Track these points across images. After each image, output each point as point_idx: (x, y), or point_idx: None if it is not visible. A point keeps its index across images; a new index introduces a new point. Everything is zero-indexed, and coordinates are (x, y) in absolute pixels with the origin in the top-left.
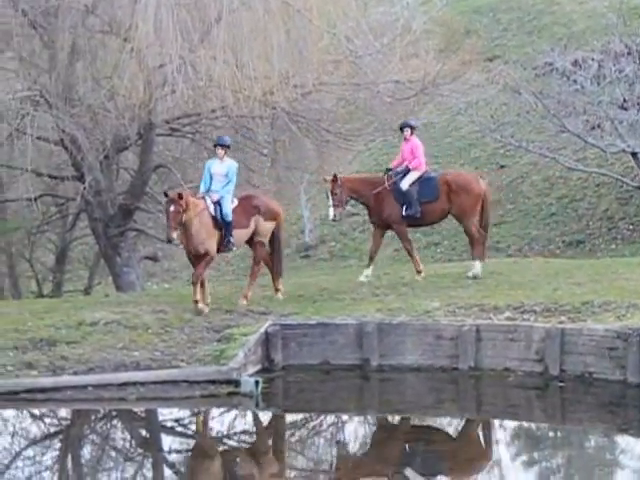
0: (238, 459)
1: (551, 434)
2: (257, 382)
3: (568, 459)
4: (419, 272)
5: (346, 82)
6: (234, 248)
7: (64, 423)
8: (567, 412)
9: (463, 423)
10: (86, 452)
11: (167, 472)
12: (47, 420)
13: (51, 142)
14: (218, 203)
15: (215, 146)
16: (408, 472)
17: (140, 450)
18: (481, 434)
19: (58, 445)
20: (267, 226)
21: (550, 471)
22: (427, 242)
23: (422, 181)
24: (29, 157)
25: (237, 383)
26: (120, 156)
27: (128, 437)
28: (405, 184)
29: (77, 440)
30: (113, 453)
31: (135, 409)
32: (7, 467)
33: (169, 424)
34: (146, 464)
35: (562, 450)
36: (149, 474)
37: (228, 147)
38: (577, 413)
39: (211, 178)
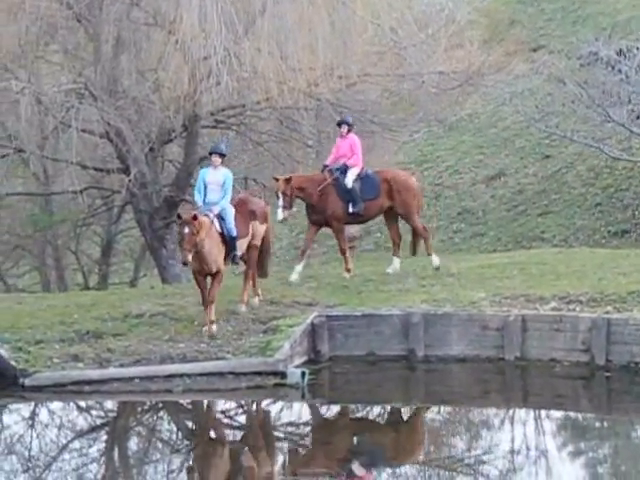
0: (284, 450)
1: (597, 424)
2: (303, 373)
3: (614, 449)
4: (348, 270)
5: (390, 73)
6: (239, 262)
7: (110, 415)
8: (613, 402)
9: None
10: (132, 444)
11: (214, 464)
12: (94, 412)
13: (96, 135)
14: (220, 217)
15: (211, 154)
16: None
17: (186, 442)
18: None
19: (104, 437)
20: (262, 229)
21: (596, 461)
22: (472, 232)
23: (362, 178)
24: (74, 150)
25: (283, 374)
26: (165, 148)
27: (174, 429)
28: (349, 181)
29: (124, 432)
30: (160, 445)
31: (181, 401)
32: (54, 459)
33: (215, 416)
34: (193, 456)
35: (608, 440)
36: (196, 466)
37: (224, 155)
38: (623, 403)
39: (205, 187)
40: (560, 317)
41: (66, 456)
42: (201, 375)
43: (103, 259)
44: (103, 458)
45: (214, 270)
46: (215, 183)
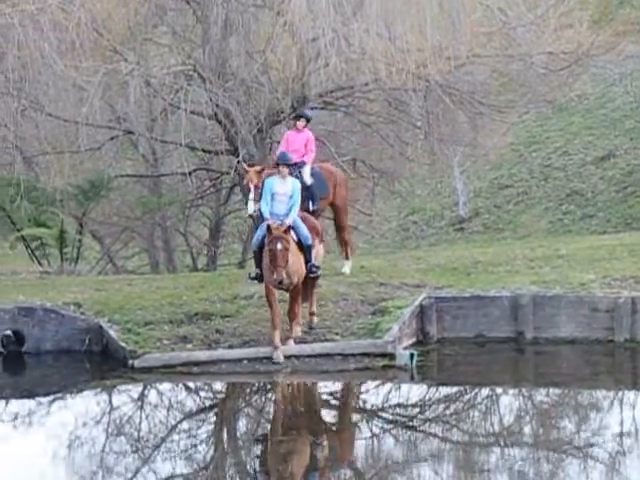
0: (393, 432)
1: None
2: (412, 355)
3: None
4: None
5: (499, 54)
6: (319, 272)
7: (219, 396)
8: None
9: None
10: (241, 425)
11: (323, 445)
12: (202, 393)
13: (205, 116)
14: (292, 227)
15: (278, 165)
16: None
17: (294, 423)
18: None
19: (213, 418)
20: (321, 249)
21: None
22: (582, 214)
23: (313, 175)
24: (183, 131)
25: (392, 356)
26: (274, 129)
27: (282, 410)
28: (309, 179)
29: (232, 413)
30: (268, 426)
31: (289, 382)
32: (163, 440)
33: (324, 397)
34: (301, 437)
35: None
36: (304, 448)
37: (290, 165)
38: None
39: (272, 198)
40: None
41: (175, 437)
42: (309, 356)
43: (212, 241)
44: (212, 439)
45: (295, 282)
46: (283, 194)
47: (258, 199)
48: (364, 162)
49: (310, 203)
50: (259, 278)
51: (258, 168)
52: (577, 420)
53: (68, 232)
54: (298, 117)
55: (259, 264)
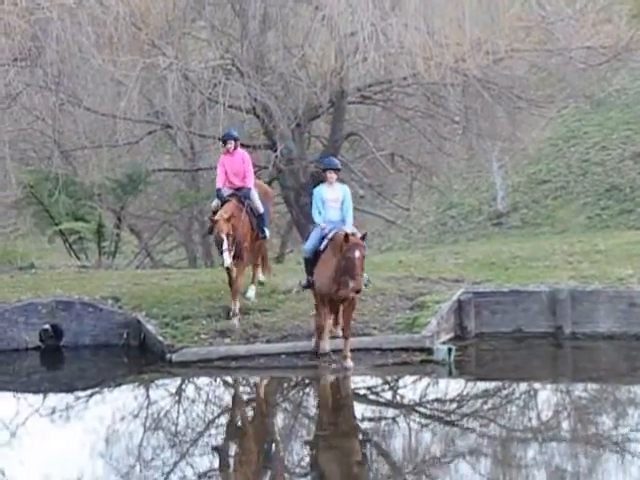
0: (431, 427)
1: None
2: (450, 350)
3: None
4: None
5: (538, 48)
6: (369, 284)
7: (257, 391)
8: None
9: None
10: (279, 420)
11: (360, 440)
12: (240, 388)
13: (243, 111)
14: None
15: (324, 170)
16: None
17: (332, 418)
18: None
19: (251, 413)
20: None
21: None
22: (620, 209)
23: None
24: (221, 126)
25: (430, 351)
26: (312, 124)
27: (321, 405)
28: (260, 206)
29: (270, 408)
30: (306, 421)
31: (327, 376)
32: (201, 434)
33: (362, 392)
34: (338, 432)
35: None
36: (342, 443)
37: (339, 170)
38: None
39: (323, 205)
40: None
41: (212, 431)
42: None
43: None
44: (249, 434)
45: (350, 295)
46: (334, 200)
47: (233, 248)
48: (402, 157)
49: (264, 230)
50: (310, 286)
51: (226, 216)
52: (615, 415)
53: (106, 226)
54: (225, 140)
55: (310, 271)
